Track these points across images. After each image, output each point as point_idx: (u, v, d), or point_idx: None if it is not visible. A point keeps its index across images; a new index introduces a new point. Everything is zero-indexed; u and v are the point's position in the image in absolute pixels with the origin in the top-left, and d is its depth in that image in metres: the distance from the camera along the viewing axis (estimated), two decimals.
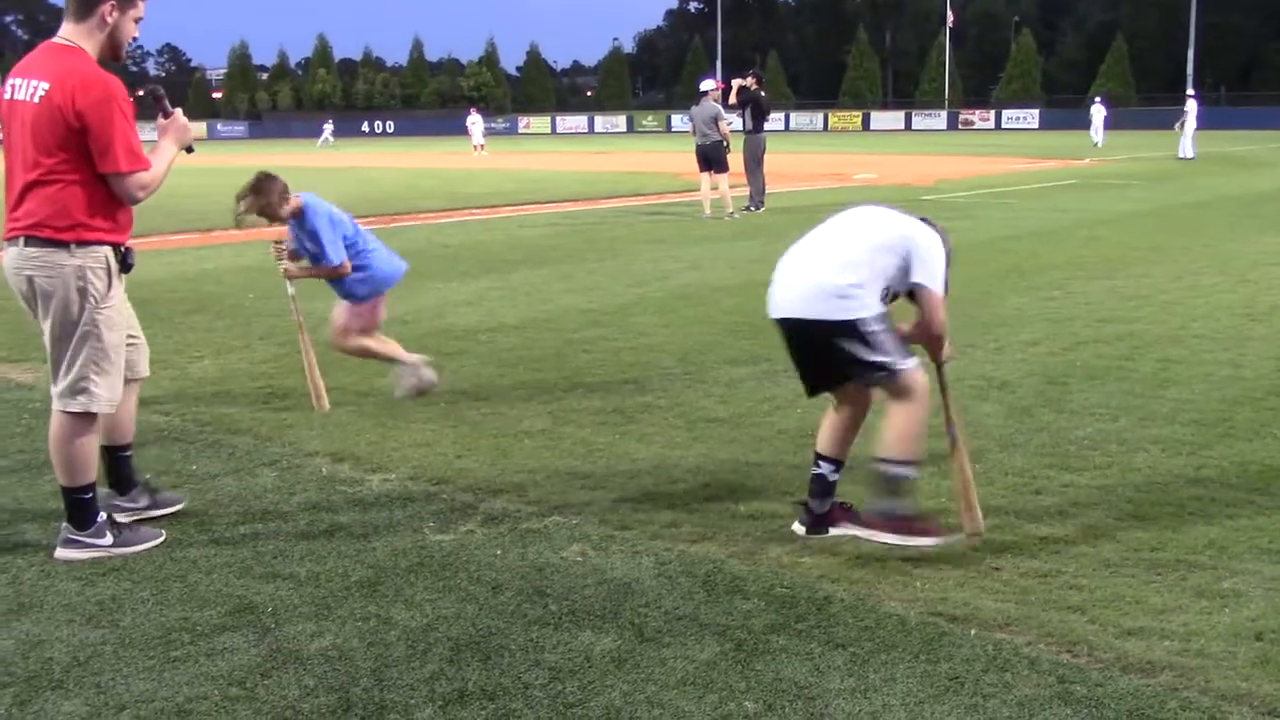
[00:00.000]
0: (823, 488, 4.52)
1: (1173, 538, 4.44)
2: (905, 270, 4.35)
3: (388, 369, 6.93)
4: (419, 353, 7.04)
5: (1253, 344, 7.95)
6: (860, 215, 4.57)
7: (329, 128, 66.50)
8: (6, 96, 4.27)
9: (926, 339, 4.51)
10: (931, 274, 4.37)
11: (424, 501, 5.00)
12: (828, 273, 4.32)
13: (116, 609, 3.93)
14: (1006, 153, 40.99)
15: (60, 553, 4.38)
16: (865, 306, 4.27)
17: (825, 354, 4.36)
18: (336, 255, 6.39)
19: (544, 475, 5.33)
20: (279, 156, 47.13)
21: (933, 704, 3.24)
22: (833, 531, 4.49)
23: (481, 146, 48.23)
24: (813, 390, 4.61)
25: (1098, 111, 44.89)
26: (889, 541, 4.33)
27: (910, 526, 4.34)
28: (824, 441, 4.57)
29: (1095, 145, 42.75)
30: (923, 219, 4.54)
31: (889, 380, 4.32)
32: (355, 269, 6.49)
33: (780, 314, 4.45)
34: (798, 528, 4.54)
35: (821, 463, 4.55)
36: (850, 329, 4.26)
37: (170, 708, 3.26)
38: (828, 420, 4.59)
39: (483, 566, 4.25)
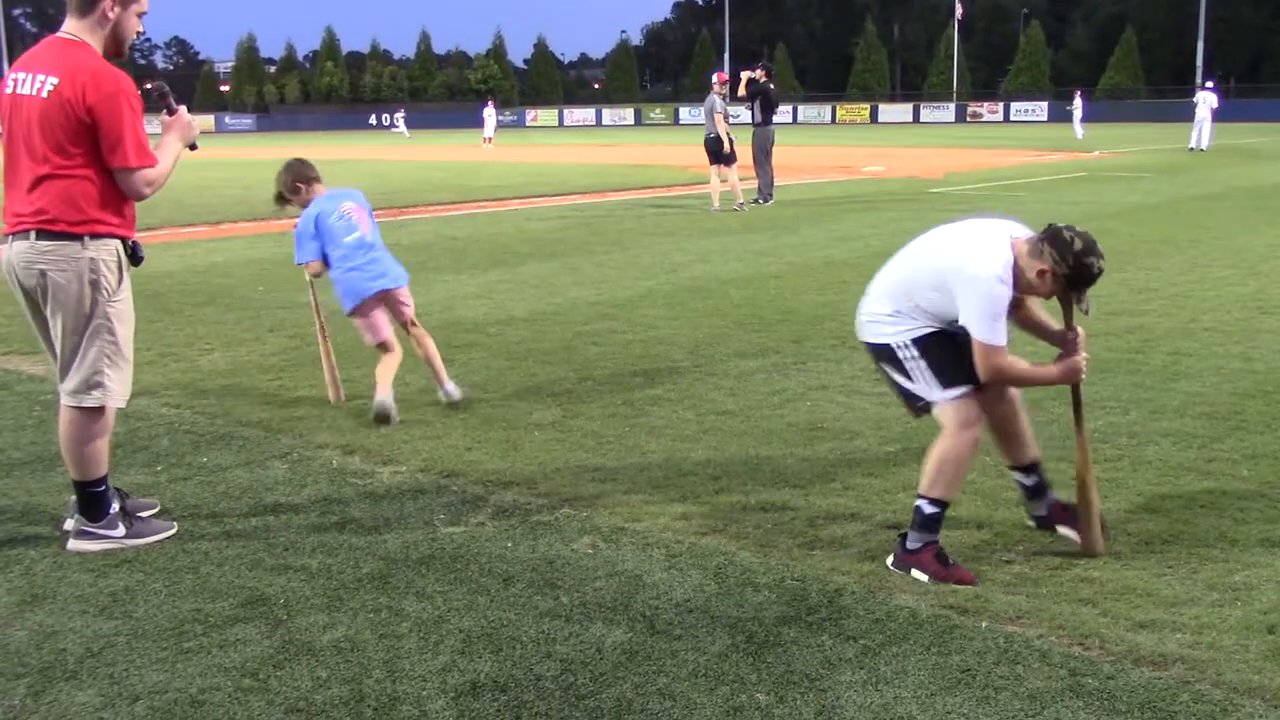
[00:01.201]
0: (1030, 493, 4.43)
1: (1184, 530, 4.43)
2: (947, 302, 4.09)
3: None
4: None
5: (1264, 337, 7.93)
6: (932, 235, 4.32)
7: (401, 118, 68.55)
8: (8, 90, 4.26)
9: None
10: (970, 317, 4.01)
11: (434, 494, 5.00)
12: (871, 300, 4.34)
13: (129, 600, 3.94)
14: (1015, 145, 40.91)
15: (73, 544, 4.39)
16: (899, 332, 4.18)
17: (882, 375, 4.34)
18: (299, 256, 6.36)
19: (554, 468, 5.34)
20: (290, 150, 47.21)
21: (944, 696, 3.24)
22: (1060, 530, 4.36)
23: (489, 140, 48.56)
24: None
25: (1077, 105, 46.98)
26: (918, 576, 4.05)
27: (923, 561, 4.06)
28: (1003, 455, 4.49)
29: (1077, 138, 43.91)
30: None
31: (925, 412, 4.18)
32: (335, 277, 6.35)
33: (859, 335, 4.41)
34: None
35: (1015, 473, 4.47)
36: (887, 353, 4.22)
37: (184, 699, 3.27)
38: (990, 436, 4.38)
39: (494, 559, 4.26)
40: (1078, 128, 45.62)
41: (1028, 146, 39.65)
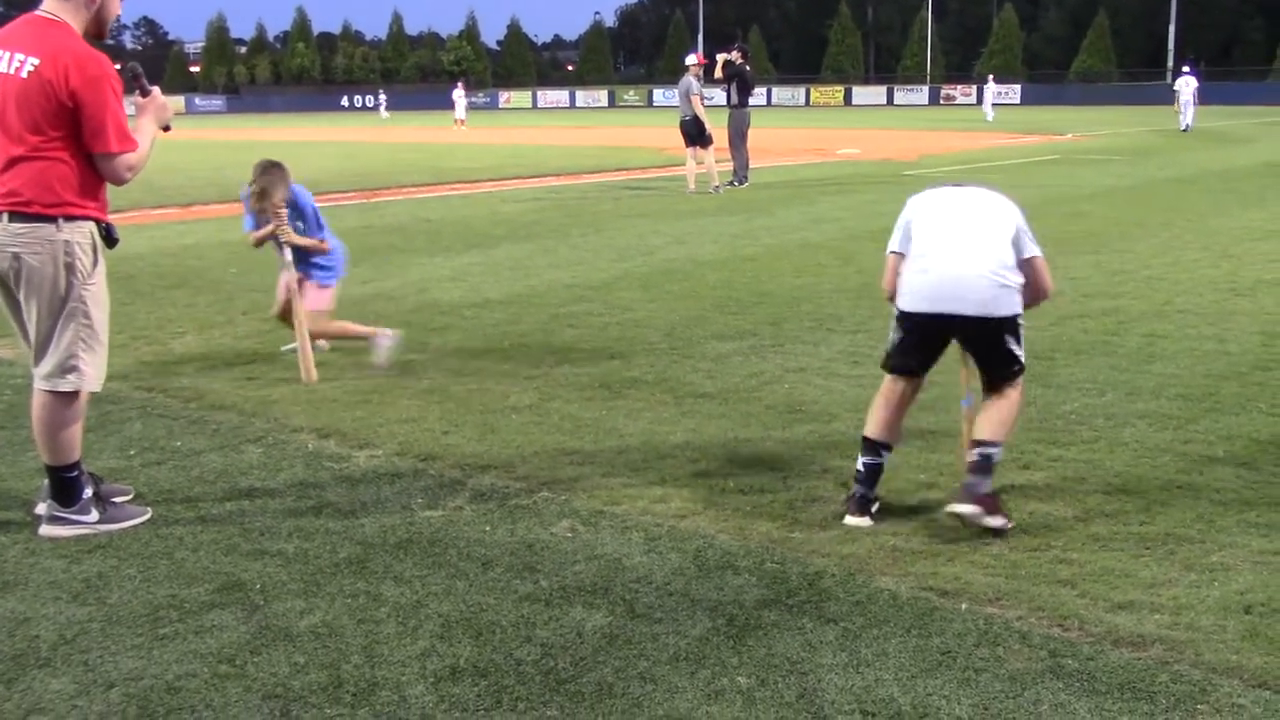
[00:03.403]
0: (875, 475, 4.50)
1: (1161, 512, 4.45)
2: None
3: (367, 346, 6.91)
4: (399, 329, 7.09)
5: (1237, 319, 7.98)
6: (981, 200, 4.57)
7: (384, 100, 69.04)
8: None
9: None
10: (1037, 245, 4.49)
11: (412, 478, 4.97)
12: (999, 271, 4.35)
13: (103, 586, 3.90)
14: (989, 128, 40.98)
15: (45, 530, 4.34)
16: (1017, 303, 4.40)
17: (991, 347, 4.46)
18: (324, 232, 6.84)
19: (532, 451, 5.31)
20: (260, 131, 46.86)
21: (925, 678, 3.24)
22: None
23: (461, 121, 48.53)
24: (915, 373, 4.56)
25: (990, 89, 50.02)
26: (992, 524, 4.21)
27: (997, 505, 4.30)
28: (882, 429, 4.51)
29: (987, 120, 46.23)
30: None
31: (1016, 376, 4.49)
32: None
33: (954, 310, 4.35)
34: (854, 520, 4.38)
35: (883, 451, 4.51)
36: (1014, 324, 4.41)
37: (160, 685, 3.24)
38: (889, 410, 4.51)
39: (472, 543, 4.23)
40: (988, 110, 47.98)
41: (1001, 129, 39.74)
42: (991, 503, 4.25)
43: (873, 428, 4.51)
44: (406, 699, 3.16)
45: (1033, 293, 4.46)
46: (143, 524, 4.44)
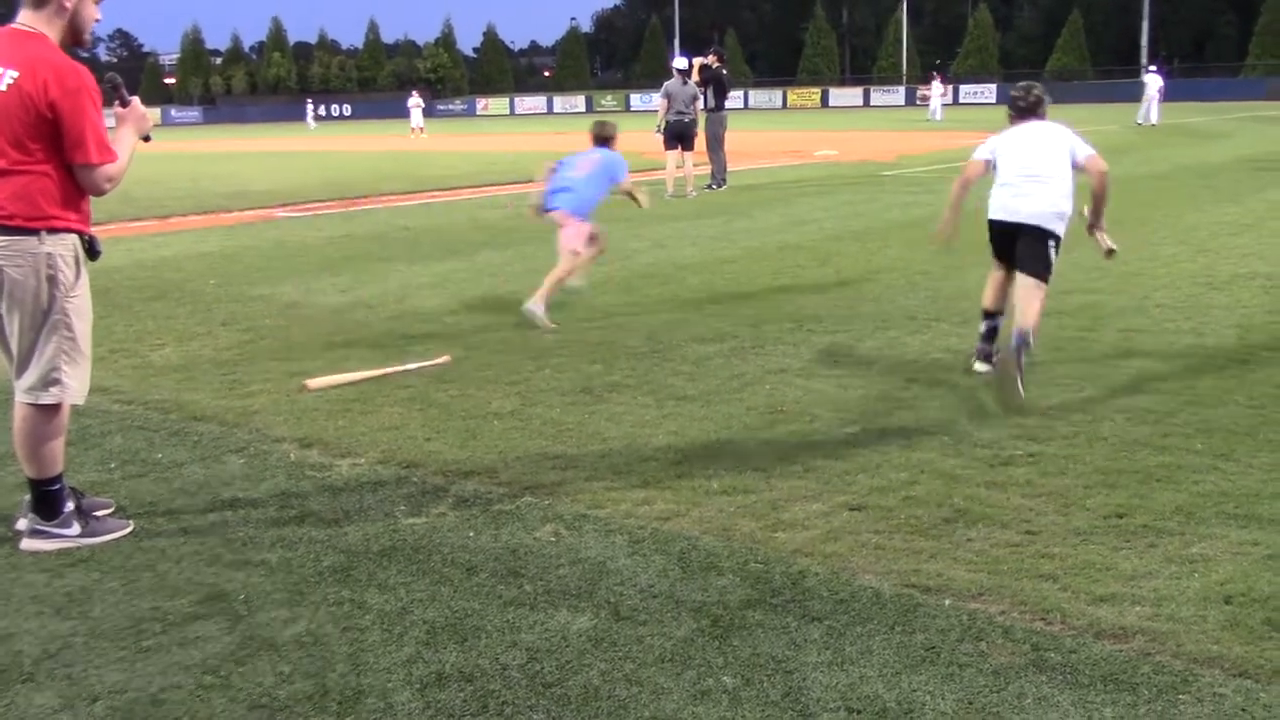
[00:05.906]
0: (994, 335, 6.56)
1: (1140, 505, 4.48)
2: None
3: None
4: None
5: (1213, 313, 8.04)
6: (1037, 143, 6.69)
7: (310, 108, 69.58)
8: None
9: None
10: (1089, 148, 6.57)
11: (394, 485, 4.96)
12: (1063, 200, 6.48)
13: (86, 600, 3.88)
14: (965, 128, 41.14)
15: (27, 544, 4.32)
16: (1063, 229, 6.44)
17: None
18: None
19: (514, 456, 5.31)
20: (237, 142, 46.71)
21: (909, 675, 3.25)
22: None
23: (420, 129, 48.71)
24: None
25: (936, 89, 51.74)
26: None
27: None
28: (992, 302, 6.56)
29: (933, 119, 47.99)
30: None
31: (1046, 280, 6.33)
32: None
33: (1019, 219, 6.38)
34: (980, 366, 6.49)
35: (996, 317, 6.55)
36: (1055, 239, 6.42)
37: (144, 698, 3.23)
38: (994, 288, 6.58)
39: (456, 549, 4.23)
40: (936, 110, 49.94)
41: (978, 128, 39.86)
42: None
43: (987, 301, 6.56)
44: (392, 706, 3.16)
45: (1096, 180, 6.47)
46: (125, 537, 4.43)
